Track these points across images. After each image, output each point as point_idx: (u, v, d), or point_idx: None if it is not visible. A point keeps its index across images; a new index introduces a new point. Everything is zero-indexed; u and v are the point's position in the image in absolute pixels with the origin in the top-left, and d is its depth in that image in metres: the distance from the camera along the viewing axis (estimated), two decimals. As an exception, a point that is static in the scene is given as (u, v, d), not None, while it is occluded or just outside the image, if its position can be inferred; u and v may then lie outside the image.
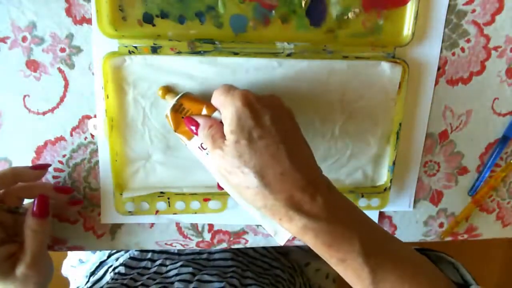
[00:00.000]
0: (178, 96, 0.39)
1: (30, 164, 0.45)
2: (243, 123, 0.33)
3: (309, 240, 0.33)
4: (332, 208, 0.33)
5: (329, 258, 0.34)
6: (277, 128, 0.33)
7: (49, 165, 0.44)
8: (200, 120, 0.37)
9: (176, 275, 0.52)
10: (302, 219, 0.32)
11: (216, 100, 0.36)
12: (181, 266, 0.53)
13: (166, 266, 0.54)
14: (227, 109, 0.34)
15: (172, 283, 0.50)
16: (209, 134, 0.35)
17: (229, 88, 0.35)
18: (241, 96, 0.33)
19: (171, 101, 0.40)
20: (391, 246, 0.35)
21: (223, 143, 0.34)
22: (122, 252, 0.59)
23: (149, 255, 0.57)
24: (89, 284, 0.56)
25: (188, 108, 0.39)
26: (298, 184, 0.32)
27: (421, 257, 0.37)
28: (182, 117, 0.39)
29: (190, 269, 0.52)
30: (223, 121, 0.35)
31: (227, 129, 0.33)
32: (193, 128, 0.37)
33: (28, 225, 0.39)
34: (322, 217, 0.32)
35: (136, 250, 0.57)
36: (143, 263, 0.56)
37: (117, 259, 0.59)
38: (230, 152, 0.33)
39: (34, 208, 0.39)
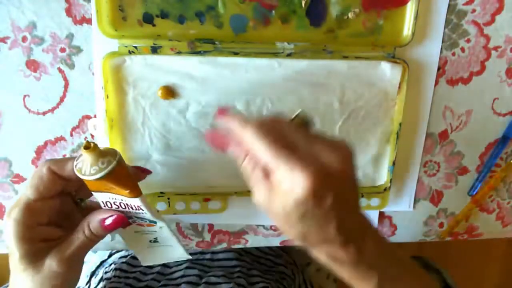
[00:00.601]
0: (108, 168, 0.33)
1: (30, 164, 0.45)
2: (304, 207, 0.30)
3: (334, 268, 0.34)
4: (361, 258, 0.33)
5: (347, 282, 0.36)
6: (336, 207, 0.30)
7: (150, 172, 0.41)
8: (232, 141, 0.33)
9: (182, 276, 0.52)
10: (330, 263, 0.34)
11: (272, 155, 0.30)
12: (187, 268, 0.53)
13: (170, 267, 0.54)
14: (294, 192, 0.29)
15: (179, 285, 0.50)
16: (249, 170, 0.32)
17: (297, 157, 0.30)
18: (312, 177, 0.29)
19: (96, 165, 0.33)
20: (403, 278, 0.37)
21: (269, 193, 0.31)
22: (123, 252, 0.59)
23: None
24: (92, 286, 0.56)
25: (111, 186, 0.34)
26: (335, 245, 0.32)
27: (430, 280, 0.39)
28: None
29: (196, 271, 0.52)
30: (278, 183, 0.30)
31: (285, 199, 0.30)
32: (223, 147, 0.34)
33: (91, 227, 0.36)
34: (346, 263, 0.33)
35: None
36: None
37: (119, 258, 0.59)
38: (276, 213, 0.31)
39: (109, 222, 0.36)
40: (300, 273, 0.65)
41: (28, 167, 0.45)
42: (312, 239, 0.32)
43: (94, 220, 0.36)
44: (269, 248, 0.63)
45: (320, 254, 0.34)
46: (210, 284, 0.50)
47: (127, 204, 0.36)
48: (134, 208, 0.37)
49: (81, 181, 0.35)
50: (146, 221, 0.39)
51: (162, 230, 0.40)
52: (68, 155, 0.45)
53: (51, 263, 0.34)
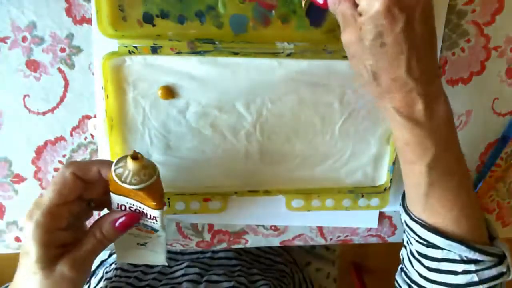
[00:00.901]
0: (149, 181, 0.35)
1: (30, 164, 0.45)
2: (378, 24, 0.32)
3: (393, 127, 0.37)
4: (428, 118, 0.35)
5: (400, 155, 0.39)
6: (407, 35, 0.32)
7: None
8: None
9: (183, 275, 0.52)
10: (395, 114, 0.35)
11: None
12: (187, 266, 0.53)
13: (171, 266, 0.54)
14: (374, 6, 0.31)
15: (180, 283, 0.50)
16: (339, 12, 0.34)
17: None
18: None
19: (137, 176, 0.35)
20: (456, 172, 0.38)
21: (355, 30, 0.33)
22: None
23: None
24: (92, 285, 0.56)
25: (142, 196, 0.35)
26: (405, 89, 0.34)
27: (476, 198, 0.40)
28: None
29: (197, 270, 0.52)
30: (360, 9, 0.33)
31: (363, 20, 0.32)
32: (320, 1, 0.35)
33: (103, 230, 0.36)
34: (413, 119, 0.35)
35: None
36: None
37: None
38: (355, 45, 0.34)
39: (120, 222, 0.37)
40: (300, 272, 0.65)
41: (28, 167, 0.45)
42: (383, 78, 0.34)
43: (105, 223, 0.37)
44: (269, 247, 0.63)
45: (388, 105, 0.35)
46: (211, 283, 0.50)
47: (143, 212, 0.37)
48: (149, 217, 0.37)
49: (100, 185, 0.36)
50: (148, 228, 0.39)
51: (158, 238, 0.40)
52: (68, 155, 0.45)
53: (62, 269, 0.34)
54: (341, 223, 0.51)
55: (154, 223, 0.38)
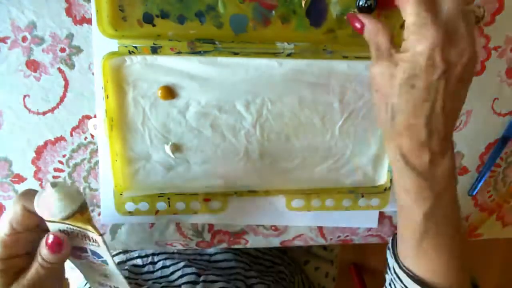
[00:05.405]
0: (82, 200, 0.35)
1: (30, 164, 0.45)
2: (417, 65, 0.32)
3: (395, 172, 0.37)
4: (431, 171, 0.35)
5: (398, 199, 0.38)
6: (439, 86, 0.32)
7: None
8: (366, 21, 0.35)
9: (181, 276, 0.52)
10: (401, 159, 0.35)
11: (413, 19, 0.33)
12: (184, 266, 0.53)
13: (168, 267, 0.54)
14: (420, 45, 0.32)
15: (179, 286, 0.50)
16: (375, 44, 0.35)
17: (433, 22, 0.31)
18: (437, 42, 0.31)
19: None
20: (452, 222, 0.38)
21: (387, 64, 0.33)
22: (121, 256, 0.59)
23: (150, 259, 0.56)
24: None
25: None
26: (416, 138, 0.34)
27: (466, 248, 0.40)
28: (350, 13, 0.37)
29: (193, 269, 0.52)
30: (404, 45, 0.33)
31: (403, 56, 0.32)
32: (358, 26, 0.35)
33: (41, 252, 0.35)
34: (417, 169, 0.35)
35: (138, 257, 0.56)
36: (146, 268, 0.55)
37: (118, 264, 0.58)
38: (384, 81, 0.33)
39: (51, 241, 0.35)
40: (299, 274, 0.65)
41: (28, 167, 0.45)
42: (400, 121, 0.33)
43: (41, 245, 0.35)
44: (268, 248, 0.63)
45: (395, 149, 0.35)
46: (208, 283, 0.50)
47: (85, 235, 0.36)
48: (92, 240, 0.36)
49: None
50: (97, 259, 0.38)
51: (116, 276, 0.39)
52: (68, 155, 0.45)
53: None
54: (341, 223, 0.51)
55: (97, 247, 0.36)
